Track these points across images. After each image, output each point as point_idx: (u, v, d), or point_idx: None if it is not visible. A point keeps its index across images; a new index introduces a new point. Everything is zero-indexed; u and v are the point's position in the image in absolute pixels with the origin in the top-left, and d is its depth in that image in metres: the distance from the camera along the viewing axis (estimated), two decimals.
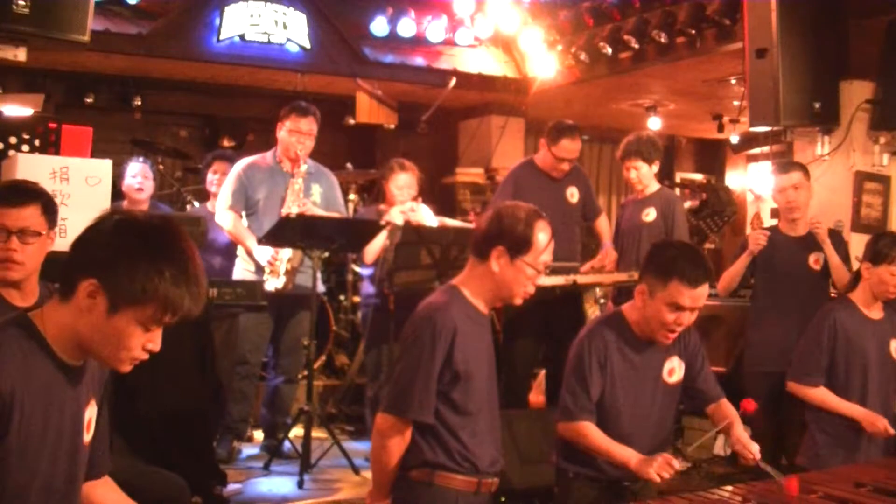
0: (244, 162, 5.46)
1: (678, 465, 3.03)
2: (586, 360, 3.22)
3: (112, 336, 1.90)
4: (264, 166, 5.40)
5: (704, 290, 3.16)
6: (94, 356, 1.98)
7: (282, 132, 5.37)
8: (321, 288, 5.57)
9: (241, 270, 5.39)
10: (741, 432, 3.24)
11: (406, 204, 5.40)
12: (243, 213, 5.36)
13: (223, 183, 5.56)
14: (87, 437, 2.09)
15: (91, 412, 2.10)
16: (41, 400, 1.92)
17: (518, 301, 2.90)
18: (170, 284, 1.87)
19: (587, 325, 3.41)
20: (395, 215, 5.30)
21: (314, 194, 5.40)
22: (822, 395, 4.05)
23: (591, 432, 3.20)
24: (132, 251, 1.87)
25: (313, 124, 5.38)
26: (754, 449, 3.15)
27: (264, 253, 5.19)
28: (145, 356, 1.96)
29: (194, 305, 1.93)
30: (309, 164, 5.41)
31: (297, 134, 5.32)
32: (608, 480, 3.25)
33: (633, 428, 3.26)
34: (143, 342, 1.93)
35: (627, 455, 3.12)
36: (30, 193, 2.83)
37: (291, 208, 5.21)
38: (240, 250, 5.41)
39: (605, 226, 5.93)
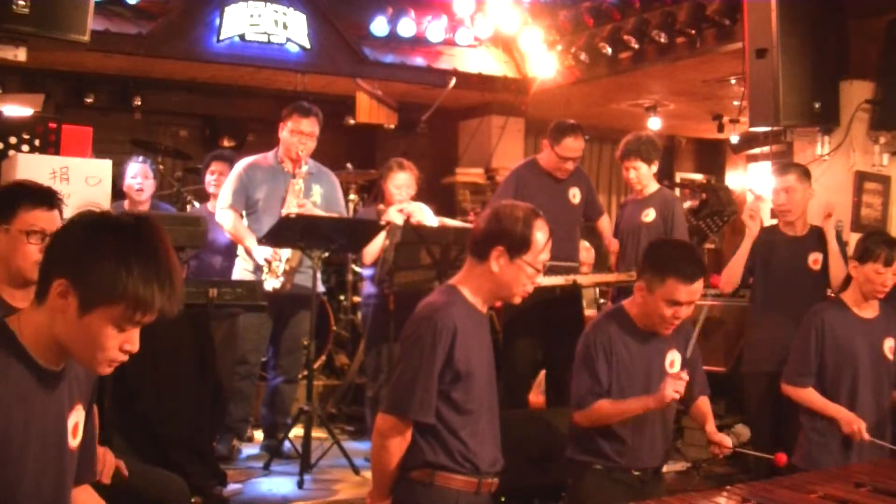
0: (245, 161, 5.46)
1: (686, 375, 3.27)
2: (593, 352, 3.39)
3: (86, 337, 1.86)
4: (265, 166, 5.41)
5: (699, 285, 3.35)
6: (72, 358, 1.94)
7: (283, 132, 5.37)
8: (321, 288, 5.57)
9: (241, 270, 5.38)
10: (713, 428, 3.45)
11: (403, 203, 5.40)
12: (243, 213, 5.37)
13: (224, 182, 5.56)
14: (74, 441, 2.05)
15: (77, 417, 2.06)
16: (19, 406, 1.88)
17: (517, 300, 2.91)
18: (139, 282, 1.82)
19: (591, 321, 3.52)
20: (394, 214, 5.30)
21: (315, 194, 5.40)
22: (809, 395, 4.07)
23: (604, 406, 3.36)
24: (101, 249, 1.84)
25: (315, 125, 5.38)
26: (727, 442, 3.38)
27: (263, 252, 5.19)
28: (123, 357, 1.91)
29: (168, 304, 1.87)
30: (310, 165, 5.41)
31: (298, 134, 5.32)
32: (618, 469, 3.36)
33: (641, 416, 3.36)
34: (120, 343, 1.88)
35: (643, 402, 3.31)
36: (54, 196, 2.86)
37: (291, 208, 5.21)
38: (240, 250, 5.41)
39: (607, 225, 5.94)
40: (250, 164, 5.41)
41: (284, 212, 5.20)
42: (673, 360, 3.48)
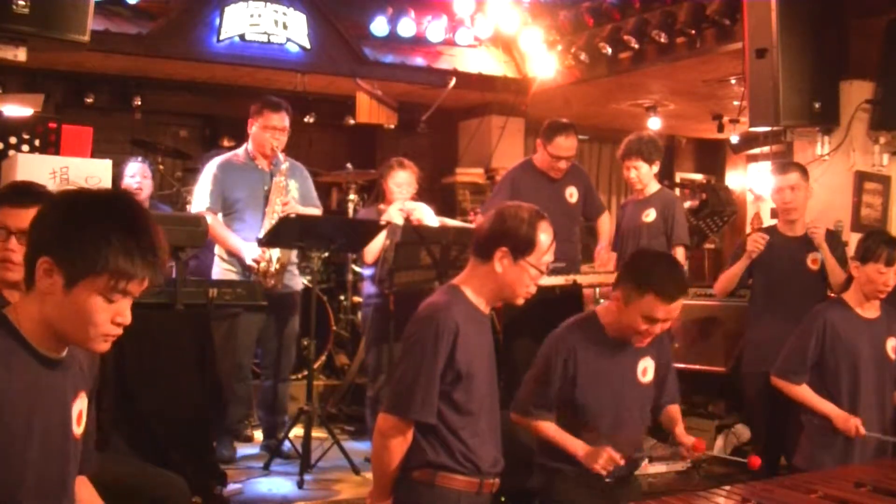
0: (217, 161, 5.34)
1: (621, 460, 3.20)
2: (552, 360, 3.34)
3: (75, 313, 1.87)
4: (239, 164, 5.31)
5: (679, 304, 3.26)
6: (67, 340, 1.95)
7: (254, 128, 5.29)
8: (299, 286, 5.51)
9: (222, 271, 5.26)
10: (682, 430, 3.42)
11: (405, 202, 5.38)
12: (219, 214, 5.24)
13: (198, 183, 5.43)
14: (79, 429, 2.06)
15: (81, 405, 2.07)
16: (23, 394, 1.90)
17: (520, 301, 2.91)
18: (118, 252, 1.84)
19: (561, 325, 3.48)
20: (394, 213, 5.29)
21: (291, 190, 5.33)
22: (802, 392, 4.07)
23: (548, 430, 3.35)
24: (79, 222, 1.86)
25: (286, 119, 5.32)
26: (690, 441, 3.33)
27: (253, 252, 5.13)
28: (118, 331, 1.92)
29: (151, 272, 1.89)
30: (284, 160, 5.34)
31: (271, 130, 5.25)
32: (587, 476, 3.30)
33: (609, 426, 3.34)
34: (111, 315, 1.89)
35: (576, 446, 3.28)
36: (34, 195, 2.81)
37: (276, 207, 5.18)
38: (218, 250, 5.30)
39: (605, 225, 5.92)
40: (224, 164, 5.31)
41: (269, 210, 5.18)
42: (646, 367, 3.42)
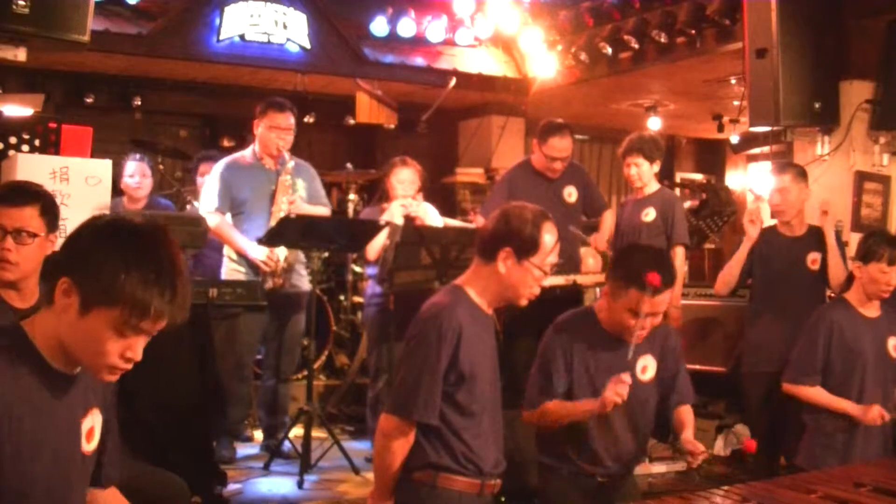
0: (224, 162, 5.37)
1: (629, 378, 3.13)
2: (550, 355, 3.35)
3: (86, 338, 1.85)
4: (246, 165, 5.33)
5: (664, 297, 3.25)
6: (76, 361, 1.93)
7: (260, 129, 5.31)
8: (306, 287, 5.53)
9: (231, 271, 5.28)
10: (688, 437, 3.31)
11: (409, 200, 5.37)
12: (228, 214, 5.27)
13: (206, 184, 5.48)
14: (89, 446, 2.04)
15: (93, 421, 2.05)
16: (32, 409, 1.88)
17: (524, 302, 2.90)
18: (137, 285, 1.80)
19: (557, 319, 3.46)
20: (395, 211, 5.28)
21: (299, 189, 5.35)
22: (817, 393, 4.07)
23: (551, 407, 3.31)
24: (104, 249, 1.84)
25: (291, 118, 5.33)
26: (700, 447, 3.23)
27: (260, 252, 5.15)
28: (125, 366, 1.89)
29: (170, 311, 1.85)
30: (291, 160, 5.36)
31: (276, 130, 5.27)
32: (584, 475, 3.31)
33: (602, 422, 3.30)
34: (121, 350, 1.86)
35: (587, 405, 3.23)
36: (30, 194, 2.81)
37: (282, 206, 5.19)
38: (227, 251, 5.33)
39: (608, 220, 5.89)
40: (231, 164, 5.34)
41: (275, 209, 5.18)
42: (646, 365, 3.39)
